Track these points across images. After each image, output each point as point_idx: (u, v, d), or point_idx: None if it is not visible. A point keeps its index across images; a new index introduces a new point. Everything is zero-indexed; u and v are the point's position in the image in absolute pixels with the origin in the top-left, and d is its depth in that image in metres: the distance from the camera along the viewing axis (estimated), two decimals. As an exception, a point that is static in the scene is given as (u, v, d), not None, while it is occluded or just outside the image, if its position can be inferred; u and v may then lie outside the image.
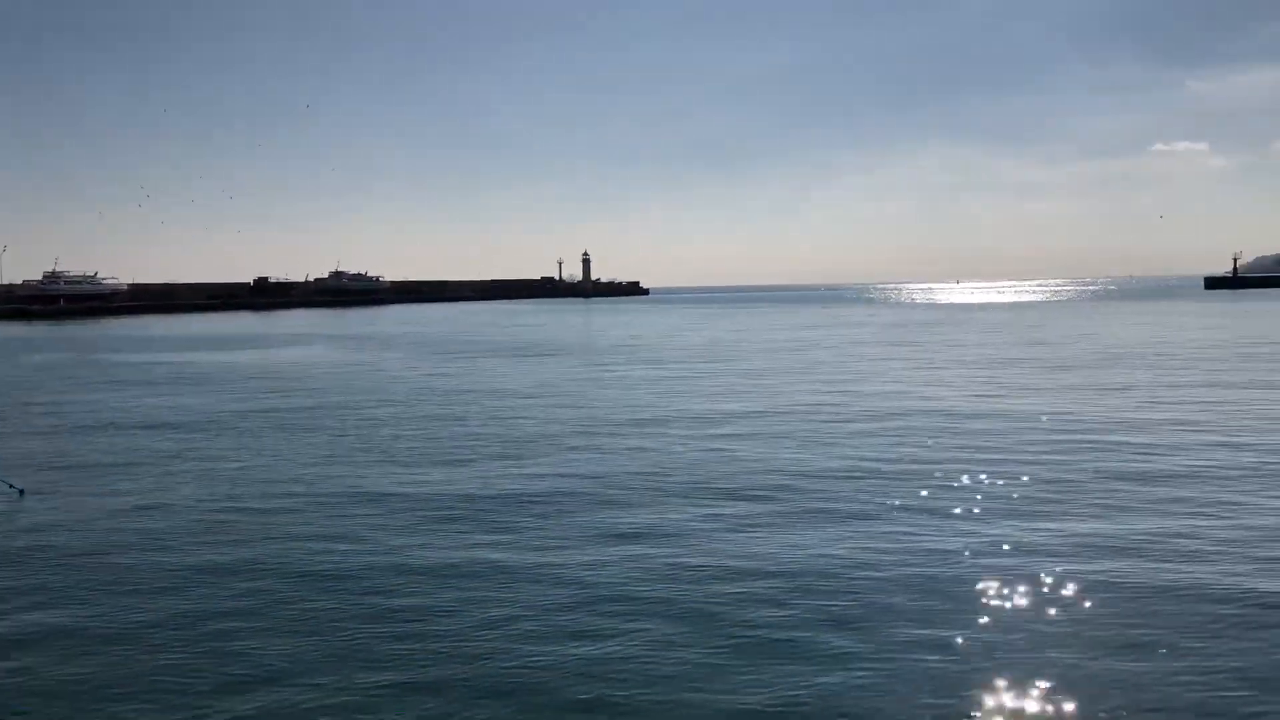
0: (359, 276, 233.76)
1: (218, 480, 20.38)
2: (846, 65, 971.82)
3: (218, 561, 14.30)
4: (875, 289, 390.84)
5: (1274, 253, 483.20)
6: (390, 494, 18.70)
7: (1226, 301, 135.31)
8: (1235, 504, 16.56)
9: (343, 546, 14.97)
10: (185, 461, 22.81)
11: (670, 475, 20.00)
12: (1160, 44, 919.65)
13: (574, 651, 10.61)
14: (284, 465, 22.06)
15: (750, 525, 15.74)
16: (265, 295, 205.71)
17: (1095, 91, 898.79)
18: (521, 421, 28.57)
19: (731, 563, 13.72)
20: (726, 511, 16.69)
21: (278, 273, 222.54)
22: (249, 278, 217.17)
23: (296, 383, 42.27)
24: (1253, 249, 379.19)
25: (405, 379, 43.27)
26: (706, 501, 17.52)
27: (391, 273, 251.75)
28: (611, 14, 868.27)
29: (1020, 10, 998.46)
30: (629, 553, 14.30)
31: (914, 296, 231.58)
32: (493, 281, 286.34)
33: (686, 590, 12.58)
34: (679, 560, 13.87)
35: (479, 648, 10.77)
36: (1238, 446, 21.98)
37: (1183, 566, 13.17)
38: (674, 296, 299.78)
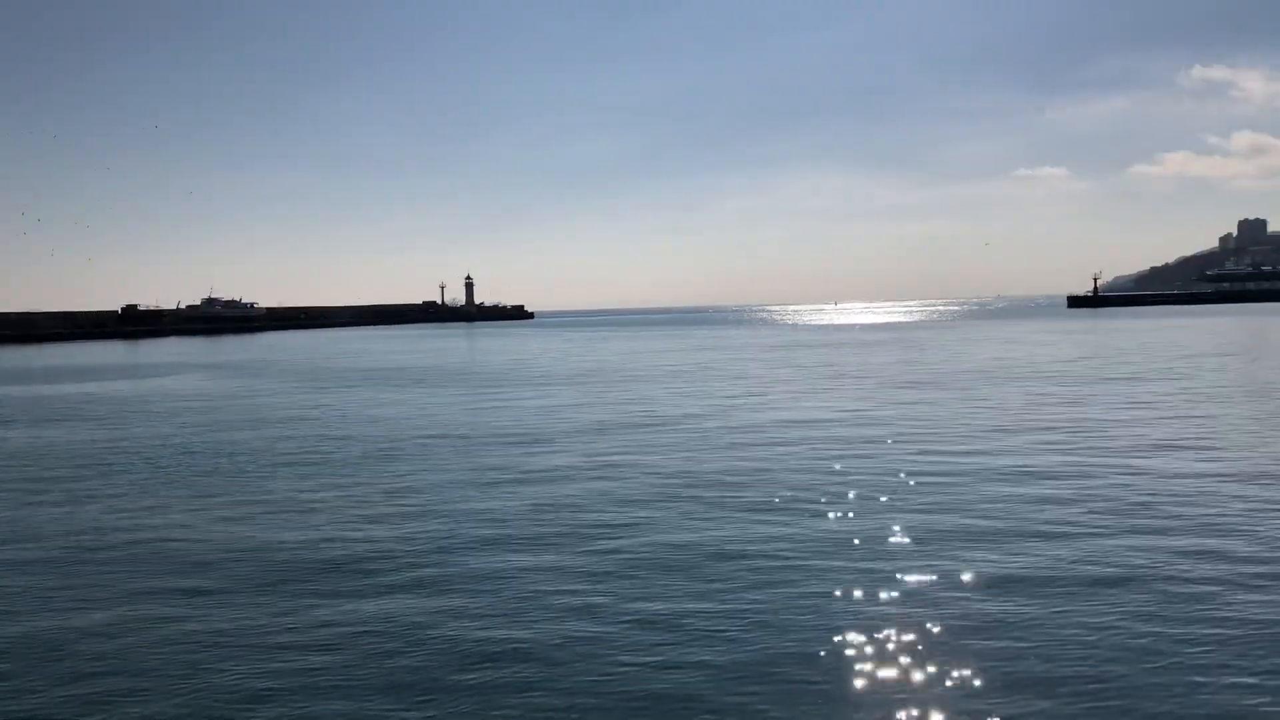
0: (233, 303, 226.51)
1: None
2: (723, 93, 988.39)
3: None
4: (756, 311, 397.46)
5: (1132, 273, 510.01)
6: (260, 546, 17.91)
7: (1085, 319, 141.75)
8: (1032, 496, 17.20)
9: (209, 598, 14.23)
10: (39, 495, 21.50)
11: (555, 515, 19.72)
12: (1021, 74, 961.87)
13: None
14: (135, 505, 20.97)
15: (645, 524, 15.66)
16: (134, 323, 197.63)
17: (961, 118, 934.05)
18: (403, 455, 27.87)
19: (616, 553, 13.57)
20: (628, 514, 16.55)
21: (147, 300, 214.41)
22: (115, 305, 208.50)
23: (161, 413, 40.51)
24: (1112, 269, 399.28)
25: (276, 409, 41.90)
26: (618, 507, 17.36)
27: (267, 299, 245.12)
28: (494, 41, 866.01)
29: (889, 41, 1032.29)
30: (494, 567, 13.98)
31: (794, 318, 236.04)
32: (372, 307, 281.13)
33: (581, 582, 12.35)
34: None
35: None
36: (1057, 445, 22.93)
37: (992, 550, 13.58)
38: (559, 320, 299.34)
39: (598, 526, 17.36)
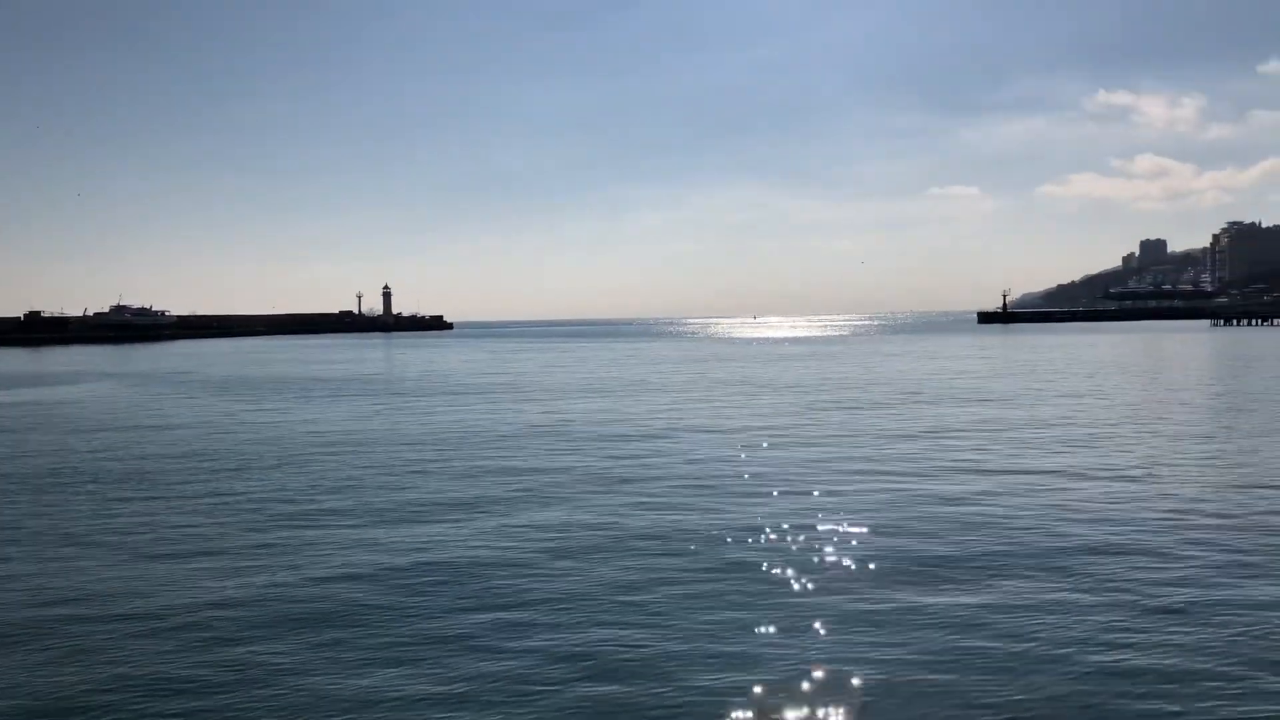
0: (143, 311, 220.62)
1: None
2: (648, 106, 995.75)
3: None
4: (679, 324, 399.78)
5: (1040, 290, 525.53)
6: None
7: (995, 334, 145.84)
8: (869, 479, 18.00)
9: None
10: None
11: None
12: (936, 95, 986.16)
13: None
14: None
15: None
16: (38, 330, 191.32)
17: (879, 137, 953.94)
18: (312, 467, 27.72)
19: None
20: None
21: (52, 307, 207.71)
22: (18, 311, 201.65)
23: (65, 426, 39.56)
24: (1021, 286, 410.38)
25: (186, 420, 41.22)
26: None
27: (179, 306, 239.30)
28: (416, 46, 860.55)
29: (811, 60, 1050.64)
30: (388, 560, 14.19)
31: (715, 331, 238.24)
32: (287, 315, 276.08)
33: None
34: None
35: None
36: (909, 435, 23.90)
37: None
38: (480, 331, 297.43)
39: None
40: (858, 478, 22.88)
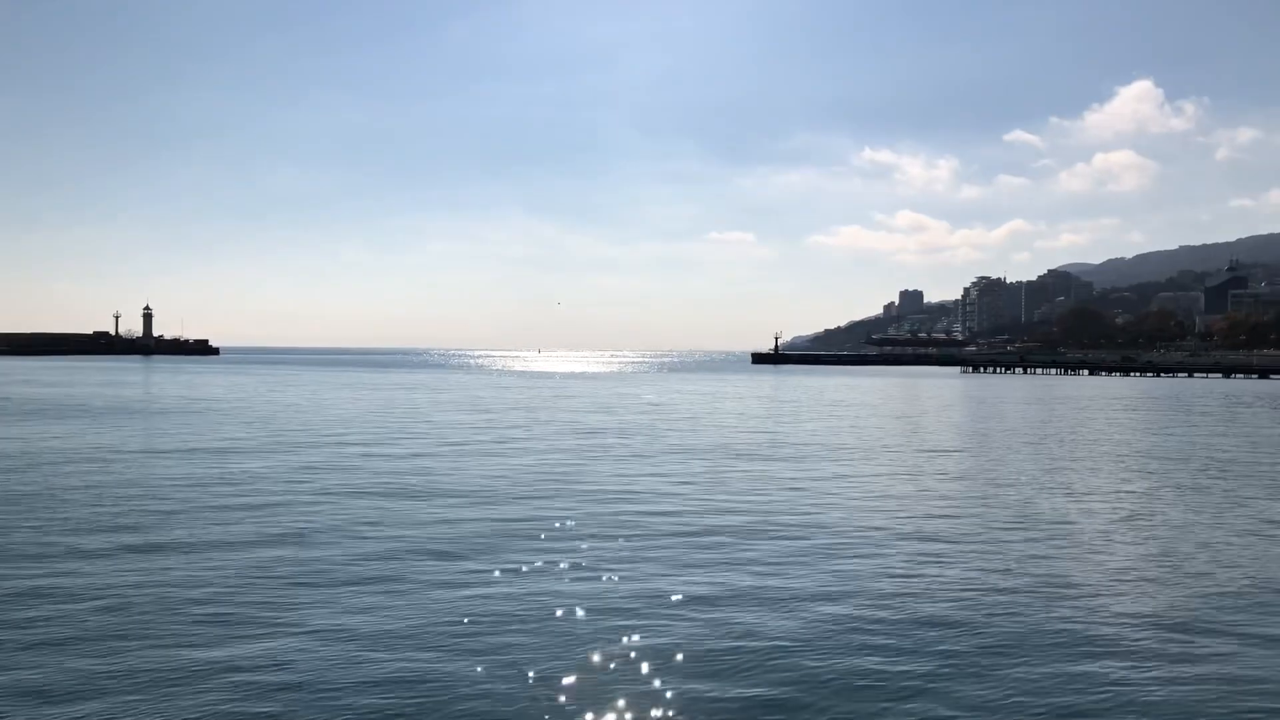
0: None
1: None
2: (433, 134, 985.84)
3: None
4: (461, 355, 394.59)
5: (809, 333, 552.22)
6: None
7: (767, 374, 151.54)
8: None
9: None
10: None
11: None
12: (715, 142, 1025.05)
13: None
14: None
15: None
16: None
17: (660, 180, 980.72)
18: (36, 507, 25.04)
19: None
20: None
21: None
22: None
23: None
24: (792, 329, 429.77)
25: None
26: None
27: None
28: (188, 56, 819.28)
29: (596, 99, 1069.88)
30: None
31: (498, 364, 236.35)
32: (32, 335, 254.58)
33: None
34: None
35: None
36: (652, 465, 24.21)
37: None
38: (249, 357, 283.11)
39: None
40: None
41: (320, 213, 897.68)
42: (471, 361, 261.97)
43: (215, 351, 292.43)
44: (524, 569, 17.38)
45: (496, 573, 17.05)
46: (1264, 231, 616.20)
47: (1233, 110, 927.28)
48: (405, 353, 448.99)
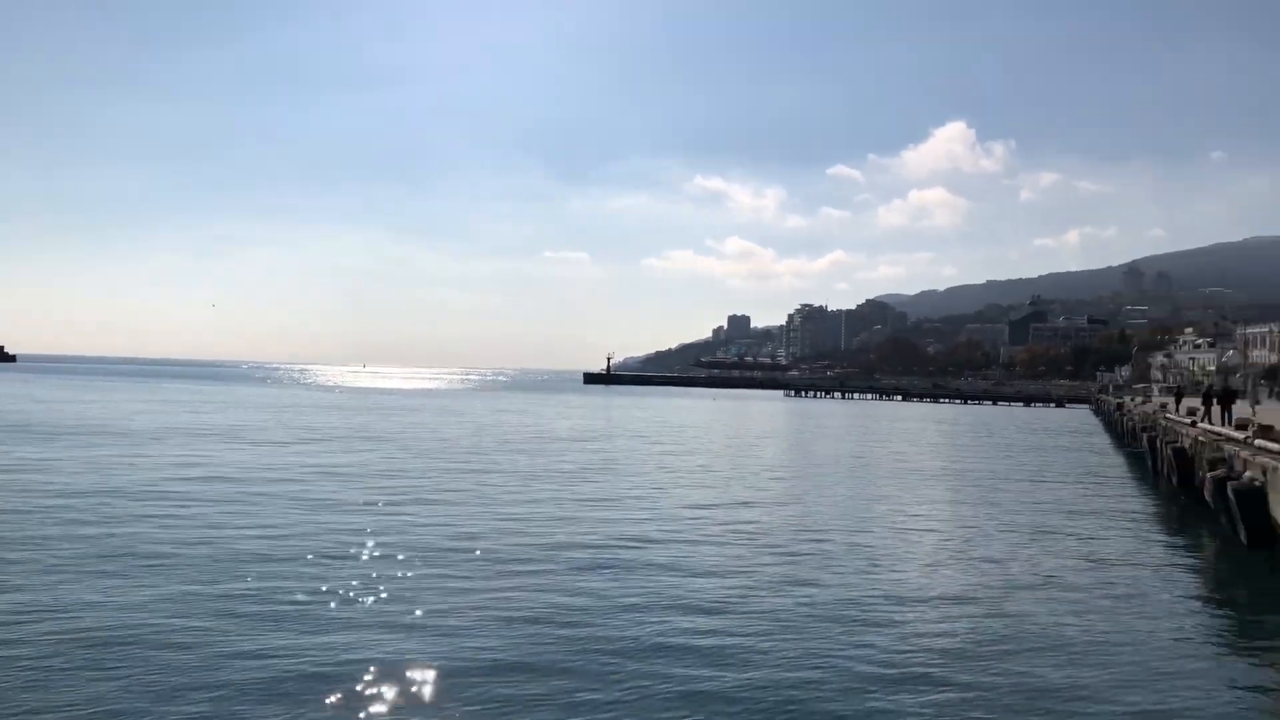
0: None
1: None
2: (256, 140, 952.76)
3: None
4: (287, 369, 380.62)
5: (641, 354, 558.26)
6: None
7: (598, 394, 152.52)
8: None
9: None
10: None
11: None
12: (552, 162, 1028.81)
13: None
14: None
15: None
16: None
17: (497, 197, 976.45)
18: None
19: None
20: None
21: None
22: None
23: None
24: (624, 350, 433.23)
25: None
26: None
27: None
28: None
29: (433, 113, 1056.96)
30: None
31: (319, 379, 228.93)
32: None
33: None
34: None
35: None
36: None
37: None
38: (51, 366, 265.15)
39: None
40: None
41: (133, 216, 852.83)
42: (292, 376, 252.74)
43: (11, 359, 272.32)
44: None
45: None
46: (1063, 270, 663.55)
47: (1036, 154, 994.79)
48: (222, 365, 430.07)
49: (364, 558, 19.37)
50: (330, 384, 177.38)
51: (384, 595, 16.28)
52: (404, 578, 17.60)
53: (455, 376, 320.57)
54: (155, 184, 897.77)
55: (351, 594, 16.26)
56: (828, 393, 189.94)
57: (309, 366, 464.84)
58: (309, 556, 19.24)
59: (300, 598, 15.89)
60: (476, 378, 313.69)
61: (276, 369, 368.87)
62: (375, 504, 26.70)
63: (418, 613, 15.19)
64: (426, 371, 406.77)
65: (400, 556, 19.46)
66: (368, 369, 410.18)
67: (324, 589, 16.49)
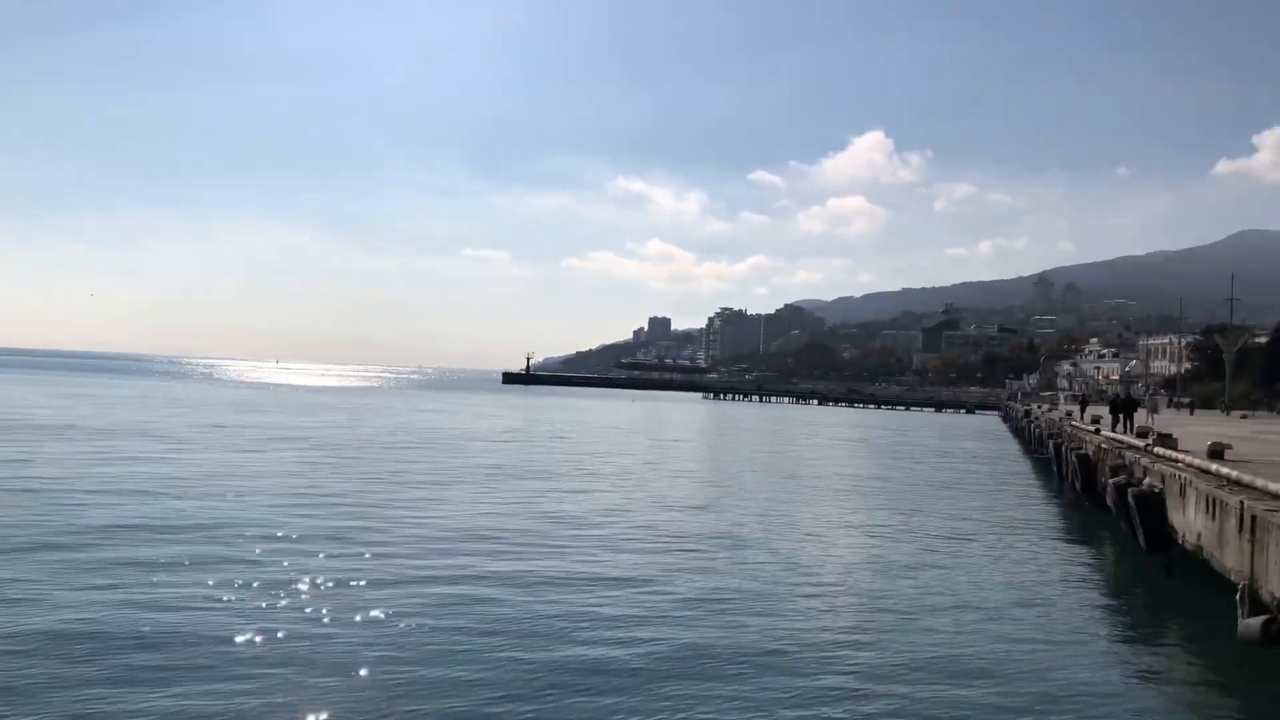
0: None
1: None
2: (162, 129, 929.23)
3: None
4: (195, 363, 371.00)
5: (561, 355, 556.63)
6: None
7: (518, 394, 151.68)
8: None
9: None
10: None
11: None
12: (472, 159, 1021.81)
13: None
14: None
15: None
16: None
17: (417, 193, 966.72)
18: None
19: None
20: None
21: None
22: None
23: None
24: (544, 350, 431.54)
25: None
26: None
27: None
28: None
29: (350, 106, 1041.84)
30: None
31: (229, 374, 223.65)
32: None
33: None
34: None
35: None
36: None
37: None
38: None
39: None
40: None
41: (27, 204, 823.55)
42: (201, 371, 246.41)
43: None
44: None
45: None
46: (975, 279, 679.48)
47: (952, 166, 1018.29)
48: (126, 359, 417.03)
49: (262, 558, 18.97)
50: (241, 380, 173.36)
51: (279, 597, 15.98)
52: (295, 586, 17.29)
53: (371, 374, 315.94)
54: (55, 171, 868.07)
55: (243, 594, 15.92)
56: (746, 396, 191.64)
57: (219, 362, 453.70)
58: (187, 561, 18.78)
59: (178, 593, 15.51)
60: (393, 376, 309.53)
61: (184, 364, 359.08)
62: (280, 505, 26.18)
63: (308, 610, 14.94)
64: (341, 369, 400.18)
65: (291, 561, 19.11)
66: (280, 365, 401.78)
67: (211, 584, 16.12)
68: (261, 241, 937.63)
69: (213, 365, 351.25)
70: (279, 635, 13.72)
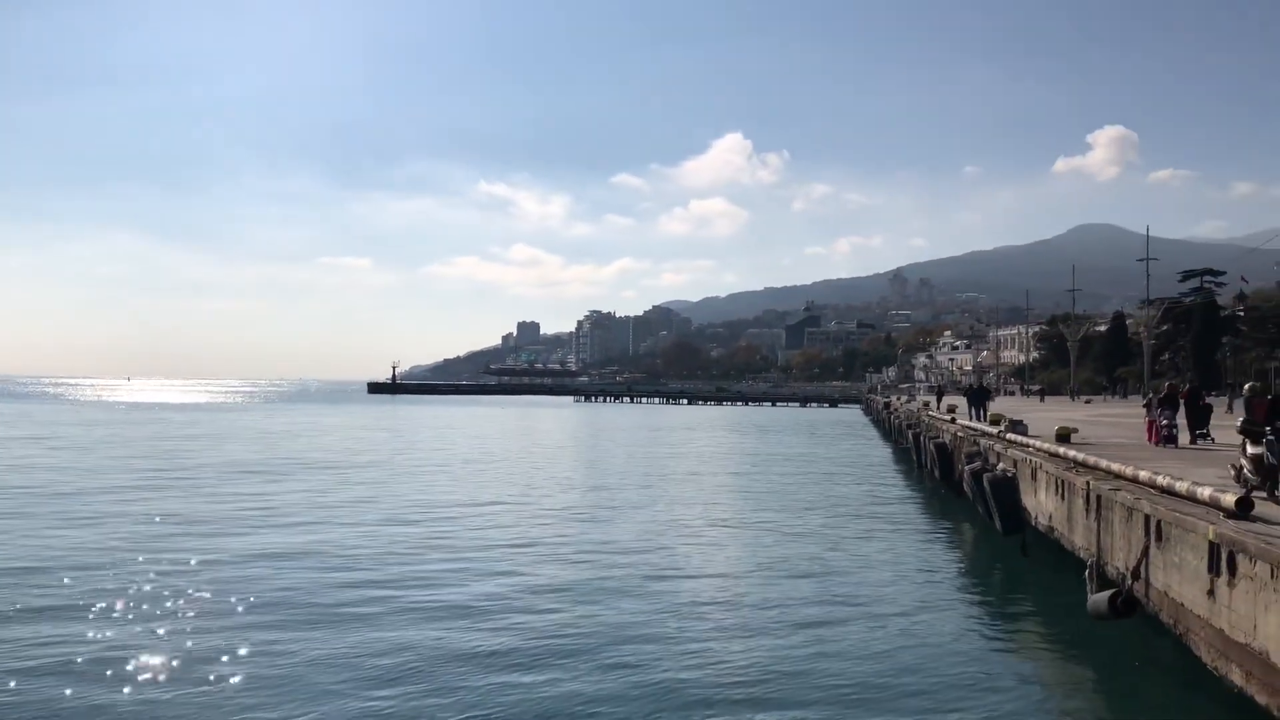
0: None
1: None
2: (7, 134, 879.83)
3: None
4: (38, 383, 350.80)
5: (428, 363, 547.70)
6: None
7: (384, 405, 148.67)
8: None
9: None
10: None
11: None
12: (327, 166, 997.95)
13: None
14: None
15: None
16: None
17: (267, 200, 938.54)
18: None
19: None
20: None
21: None
22: None
23: None
24: (410, 358, 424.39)
25: None
26: None
27: None
28: None
29: (195, 112, 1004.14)
30: None
31: (81, 394, 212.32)
32: None
33: None
34: None
35: None
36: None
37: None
38: None
39: None
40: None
41: None
42: (44, 391, 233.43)
43: None
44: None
45: None
46: (834, 277, 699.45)
47: (809, 166, 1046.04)
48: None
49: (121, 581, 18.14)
50: (91, 399, 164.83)
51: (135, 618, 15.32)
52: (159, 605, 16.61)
53: (230, 389, 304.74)
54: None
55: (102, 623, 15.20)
56: (617, 398, 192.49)
57: (65, 380, 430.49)
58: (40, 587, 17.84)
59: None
60: (252, 389, 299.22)
61: (25, 383, 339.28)
62: (144, 531, 25.07)
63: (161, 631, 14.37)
64: (198, 384, 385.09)
65: (155, 586, 18.36)
66: (132, 382, 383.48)
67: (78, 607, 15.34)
68: (106, 254, 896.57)
69: (58, 384, 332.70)
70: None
